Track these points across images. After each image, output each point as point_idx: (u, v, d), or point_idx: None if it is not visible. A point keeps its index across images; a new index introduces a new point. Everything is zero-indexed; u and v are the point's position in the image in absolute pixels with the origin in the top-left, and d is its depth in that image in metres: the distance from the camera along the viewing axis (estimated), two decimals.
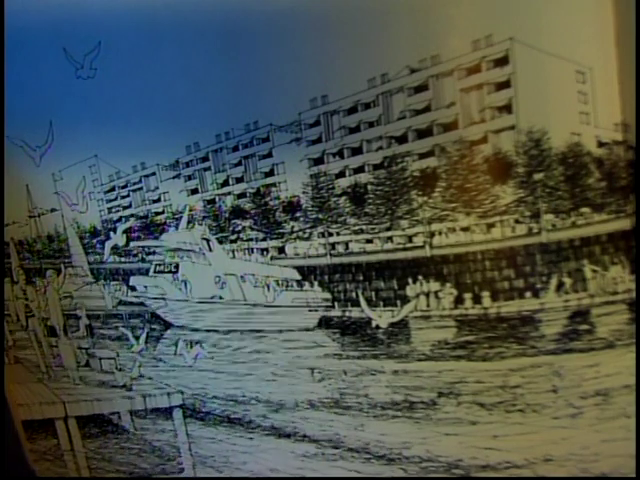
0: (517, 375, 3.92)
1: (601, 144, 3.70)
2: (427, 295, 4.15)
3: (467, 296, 4.05)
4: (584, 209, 3.82)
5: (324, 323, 4.49)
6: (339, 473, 4.26)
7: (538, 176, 3.82)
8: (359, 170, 4.25)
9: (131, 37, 4.06)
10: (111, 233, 5.08)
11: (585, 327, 3.89)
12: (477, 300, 4.03)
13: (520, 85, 3.75)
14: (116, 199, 5.07)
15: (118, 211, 5.09)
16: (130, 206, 5.08)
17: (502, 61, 3.72)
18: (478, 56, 3.72)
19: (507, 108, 3.84)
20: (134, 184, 5.01)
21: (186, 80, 4.17)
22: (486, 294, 3.99)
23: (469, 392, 4.02)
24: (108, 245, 5.09)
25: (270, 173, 4.62)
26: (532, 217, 3.90)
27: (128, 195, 5.06)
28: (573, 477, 3.69)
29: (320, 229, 4.48)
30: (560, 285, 3.85)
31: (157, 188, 5.00)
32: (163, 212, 5.03)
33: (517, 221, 3.94)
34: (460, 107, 3.89)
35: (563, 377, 3.82)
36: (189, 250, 4.83)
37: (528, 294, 3.94)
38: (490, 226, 3.98)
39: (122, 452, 5.15)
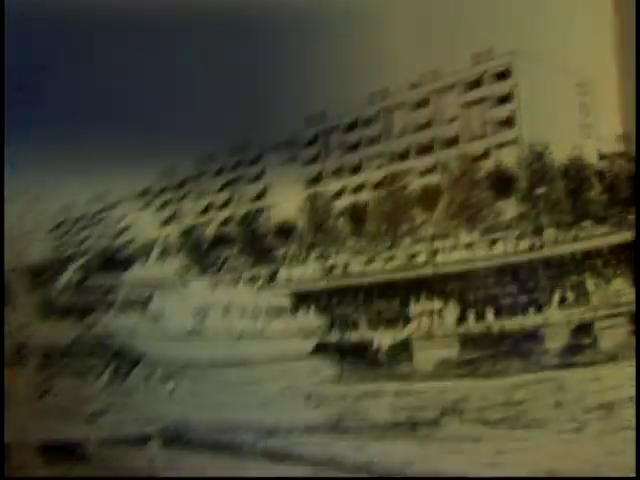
0: (521, 391, 3.89)
1: (602, 157, 3.71)
2: (430, 314, 4.08)
3: (470, 313, 3.99)
4: (586, 222, 3.82)
5: (321, 349, 4.36)
6: None
7: (540, 190, 3.80)
8: (358, 189, 4.17)
9: (93, 47, 3.92)
10: (63, 269, 4.85)
11: (588, 341, 3.87)
12: (480, 317, 3.98)
13: (522, 98, 3.75)
14: (68, 232, 4.85)
15: (71, 246, 4.87)
16: (86, 240, 4.87)
17: (504, 75, 3.70)
18: (479, 70, 3.70)
19: (509, 122, 3.83)
20: (93, 216, 4.80)
21: (161, 96, 4.03)
22: (490, 310, 3.94)
23: (473, 409, 3.95)
24: (60, 282, 4.86)
25: (260, 196, 4.49)
26: (535, 232, 3.87)
27: (85, 228, 4.85)
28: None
29: (317, 252, 4.37)
30: (563, 300, 3.83)
31: (122, 219, 4.80)
32: (128, 244, 4.84)
33: (520, 236, 3.90)
34: (461, 122, 3.85)
35: (567, 391, 3.77)
36: (162, 284, 4.65)
37: (531, 310, 3.90)
38: (493, 242, 3.95)
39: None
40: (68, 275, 5.03)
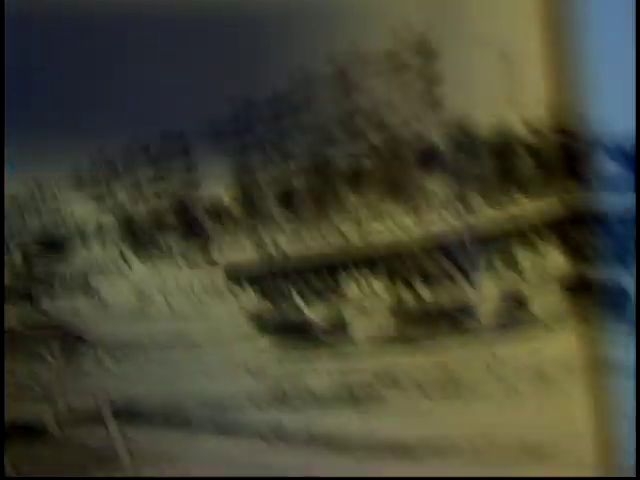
0: (457, 363, 3.96)
1: (530, 129, 3.79)
2: (363, 289, 4.14)
3: (403, 288, 4.06)
4: (515, 195, 3.89)
5: (260, 326, 4.42)
6: (285, 461, 4.22)
7: (468, 165, 3.87)
8: (286, 169, 4.21)
9: (27, 35, 3.88)
10: (12, 255, 4.85)
11: (520, 311, 3.97)
12: (413, 292, 4.04)
13: (444, 72, 3.80)
14: (9, 216, 4.82)
15: (14, 236, 4.84)
16: (26, 227, 4.85)
17: (428, 53, 3.76)
18: (400, 45, 3.75)
19: (432, 97, 3.88)
20: (31, 200, 4.78)
21: (91, 83, 4.00)
22: (422, 285, 4.01)
23: (410, 381, 4.03)
24: (11, 266, 4.86)
25: (193, 180, 4.50)
26: (463, 206, 3.94)
27: (23, 216, 4.82)
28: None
29: (250, 232, 4.40)
30: (494, 272, 3.91)
31: (58, 206, 4.78)
32: (68, 231, 4.82)
33: (449, 211, 3.98)
34: (384, 99, 3.91)
35: (501, 361, 3.88)
36: (104, 267, 4.67)
37: (463, 283, 3.98)
38: (422, 217, 4.01)
39: (51, 458, 4.98)
40: (13, 257, 4.97)
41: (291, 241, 4.39)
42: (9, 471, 5.03)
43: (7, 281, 4.71)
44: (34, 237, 4.86)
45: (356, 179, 3.98)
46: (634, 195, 3.46)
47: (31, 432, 5.07)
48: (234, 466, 4.41)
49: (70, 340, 4.63)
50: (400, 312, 4.07)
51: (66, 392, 4.80)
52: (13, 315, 4.79)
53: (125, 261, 4.63)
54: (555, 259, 3.79)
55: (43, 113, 4.19)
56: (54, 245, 4.76)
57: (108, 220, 4.63)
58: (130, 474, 4.73)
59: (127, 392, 4.57)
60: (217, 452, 4.49)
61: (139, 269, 4.61)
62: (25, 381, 4.90)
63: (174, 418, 4.50)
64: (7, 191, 4.70)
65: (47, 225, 4.86)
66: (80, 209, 4.66)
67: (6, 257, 4.70)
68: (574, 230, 3.69)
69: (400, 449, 4.06)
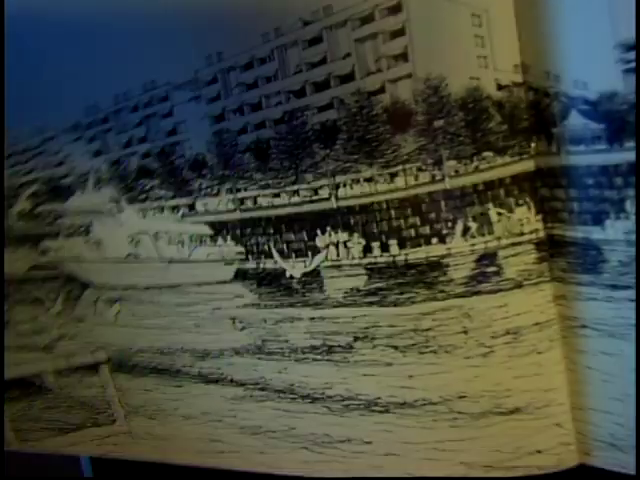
0: (428, 318, 4.01)
1: (500, 87, 3.71)
2: (337, 245, 4.19)
3: (375, 245, 4.09)
4: (486, 153, 3.85)
5: (240, 275, 4.53)
6: (268, 413, 4.40)
7: (438, 123, 3.83)
8: (260, 126, 4.22)
9: None
10: (15, 199, 5.01)
11: (493, 269, 3.97)
12: (385, 248, 4.07)
13: (415, 32, 3.72)
14: (16, 165, 4.98)
15: (20, 177, 5.00)
16: (32, 171, 5.00)
17: (395, 8, 3.67)
18: (371, 5, 3.67)
19: (403, 56, 3.81)
20: (34, 148, 4.92)
21: (79, 38, 4.06)
22: (393, 242, 4.03)
23: (383, 336, 4.11)
24: (13, 211, 5.02)
25: (173, 132, 4.56)
26: (435, 164, 3.92)
27: (28, 160, 4.97)
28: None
29: (228, 185, 4.47)
30: (466, 230, 3.91)
31: (59, 151, 4.91)
32: (68, 175, 4.96)
33: (420, 169, 3.96)
34: (356, 58, 3.86)
35: (473, 318, 3.91)
36: (99, 212, 4.79)
37: (435, 240, 3.99)
38: (393, 175, 4.00)
39: (48, 411, 5.18)
40: (21, 203, 5.08)
41: (265, 195, 4.44)
42: (7, 427, 5.27)
43: (20, 224, 4.88)
44: (42, 182, 5.03)
45: (327, 136, 3.98)
46: (606, 152, 3.40)
47: (29, 385, 5.24)
48: (221, 419, 4.62)
49: (67, 283, 4.79)
50: (372, 268, 4.12)
51: (63, 339, 4.97)
52: (16, 258, 4.96)
53: (118, 207, 4.76)
54: (527, 217, 3.76)
55: (38, 71, 4.31)
56: (59, 191, 4.92)
57: (102, 166, 4.75)
58: (124, 429, 4.96)
59: (123, 340, 4.73)
60: (205, 404, 4.67)
61: (131, 215, 4.74)
62: (24, 328, 5.07)
63: (164, 366, 4.68)
64: (19, 145, 4.87)
65: (52, 172, 5.02)
66: (79, 157, 4.79)
67: (18, 200, 4.87)
68: (546, 188, 3.65)
69: (372, 400, 4.17)
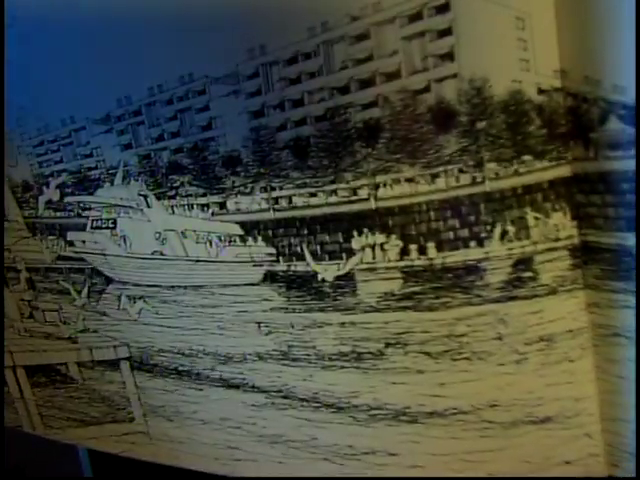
0: (463, 324, 3.96)
1: (541, 91, 3.70)
2: (373, 247, 4.13)
3: (413, 247, 4.04)
4: (526, 157, 3.83)
5: (269, 277, 4.45)
6: (289, 422, 4.31)
7: (481, 125, 3.80)
8: (301, 123, 4.17)
9: None
10: (44, 188, 4.95)
11: (529, 274, 3.94)
12: (422, 251, 4.03)
13: (461, 32, 3.70)
14: (46, 153, 4.92)
15: (49, 165, 4.95)
16: (61, 161, 4.94)
17: (443, 7, 3.66)
18: (419, 3, 3.66)
19: (449, 56, 3.80)
20: (64, 138, 4.86)
21: (114, 30, 4.01)
22: (431, 245, 3.99)
23: (416, 342, 4.05)
24: (42, 200, 4.97)
25: (208, 127, 4.50)
26: (475, 166, 3.89)
27: (58, 149, 4.91)
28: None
29: (262, 184, 4.41)
30: (504, 233, 3.87)
31: (88, 143, 4.85)
32: (96, 167, 4.89)
33: (461, 170, 3.93)
34: (403, 55, 3.84)
35: (508, 324, 3.87)
36: (126, 206, 4.72)
37: (473, 243, 3.95)
38: (435, 176, 3.97)
39: (72, 401, 5.17)
40: (50, 192, 5.02)
41: (301, 195, 4.39)
42: (34, 412, 5.23)
43: (48, 214, 4.84)
44: (71, 173, 4.97)
45: (370, 134, 3.94)
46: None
47: (55, 372, 5.23)
48: (239, 426, 4.54)
49: (92, 275, 4.74)
50: (408, 271, 4.07)
51: (87, 332, 4.93)
52: (44, 247, 4.94)
53: (146, 202, 4.69)
54: (563, 222, 3.74)
55: (72, 56, 4.26)
56: (87, 182, 4.86)
57: (132, 160, 4.69)
58: (142, 428, 4.89)
59: (145, 338, 4.68)
60: (224, 409, 4.60)
61: (158, 211, 4.67)
62: (51, 316, 5.05)
63: (185, 368, 4.61)
64: (50, 134, 4.84)
65: (81, 163, 4.96)
66: (108, 148, 4.73)
67: (46, 190, 4.83)
68: (582, 194, 3.64)
69: (400, 410, 4.10)
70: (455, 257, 3.89)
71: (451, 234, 3.87)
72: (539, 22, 3.45)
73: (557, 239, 3.71)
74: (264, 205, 4.38)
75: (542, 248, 3.78)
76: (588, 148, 3.50)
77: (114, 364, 4.91)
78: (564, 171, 3.58)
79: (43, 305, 5.17)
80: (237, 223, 4.45)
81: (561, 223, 3.67)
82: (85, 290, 4.95)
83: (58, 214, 4.98)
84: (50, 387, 5.25)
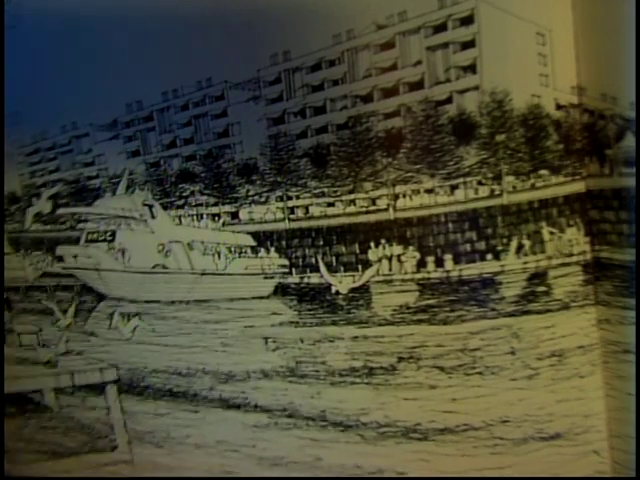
0: (477, 338, 3.94)
1: (559, 107, 3.74)
2: (390, 259, 4.11)
3: (430, 259, 4.03)
4: (543, 171, 3.86)
5: (280, 290, 4.38)
6: (293, 442, 4.20)
7: (500, 137, 3.83)
8: (322, 130, 4.16)
9: None
10: (34, 199, 4.83)
11: (543, 289, 3.94)
12: (440, 263, 4.01)
13: (485, 45, 3.75)
14: (40, 162, 4.82)
15: (43, 175, 4.84)
16: (57, 170, 4.84)
17: (468, 20, 3.70)
18: (444, 14, 3.70)
19: (472, 68, 3.83)
20: (62, 146, 4.77)
21: (128, 31, 3.96)
22: (449, 257, 3.98)
23: (429, 356, 4.00)
24: (31, 212, 4.83)
25: (224, 134, 4.45)
26: (494, 179, 3.91)
27: (55, 158, 4.82)
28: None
29: (278, 192, 4.37)
30: (520, 247, 3.88)
31: (90, 150, 4.76)
32: (97, 176, 4.80)
33: (480, 183, 3.94)
34: (426, 66, 3.87)
35: (521, 339, 3.86)
36: (128, 217, 4.63)
37: (489, 256, 3.95)
38: (454, 188, 3.98)
39: (44, 432, 4.93)
40: (41, 204, 4.90)
41: (319, 204, 4.36)
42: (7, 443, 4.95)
43: (36, 227, 4.70)
44: (67, 183, 4.85)
45: (391, 143, 3.94)
46: None
47: (27, 401, 4.97)
48: (238, 449, 4.41)
49: (81, 293, 4.60)
50: (424, 284, 4.05)
51: (70, 355, 4.73)
52: (27, 263, 4.77)
53: (150, 212, 4.60)
54: (577, 238, 3.76)
55: (77, 58, 4.19)
56: (85, 193, 4.74)
57: (138, 168, 4.60)
58: (126, 457, 4.69)
59: (137, 358, 4.52)
60: (221, 432, 4.46)
61: (164, 221, 4.58)
62: (27, 339, 4.82)
63: (180, 389, 4.47)
64: (47, 142, 4.74)
65: (79, 172, 4.85)
66: (113, 157, 4.64)
67: (37, 202, 4.71)
68: (596, 210, 3.66)
69: (411, 427, 4.03)
70: (472, 270, 3.89)
71: (468, 246, 3.88)
72: (559, 38, 3.50)
73: (571, 254, 3.73)
74: (279, 215, 4.34)
75: (556, 263, 3.79)
76: (603, 164, 3.54)
77: (98, 388, 4.71)
78: (579, 187, 3.61)
79: (19, 328, 4.96)
80: (249, 234, 4.39)
81: (575, 238, 3.69)
82: (72, 309, 4.78)
83: (48, 227, 4.85)
84: (19, 418, 5.02)
